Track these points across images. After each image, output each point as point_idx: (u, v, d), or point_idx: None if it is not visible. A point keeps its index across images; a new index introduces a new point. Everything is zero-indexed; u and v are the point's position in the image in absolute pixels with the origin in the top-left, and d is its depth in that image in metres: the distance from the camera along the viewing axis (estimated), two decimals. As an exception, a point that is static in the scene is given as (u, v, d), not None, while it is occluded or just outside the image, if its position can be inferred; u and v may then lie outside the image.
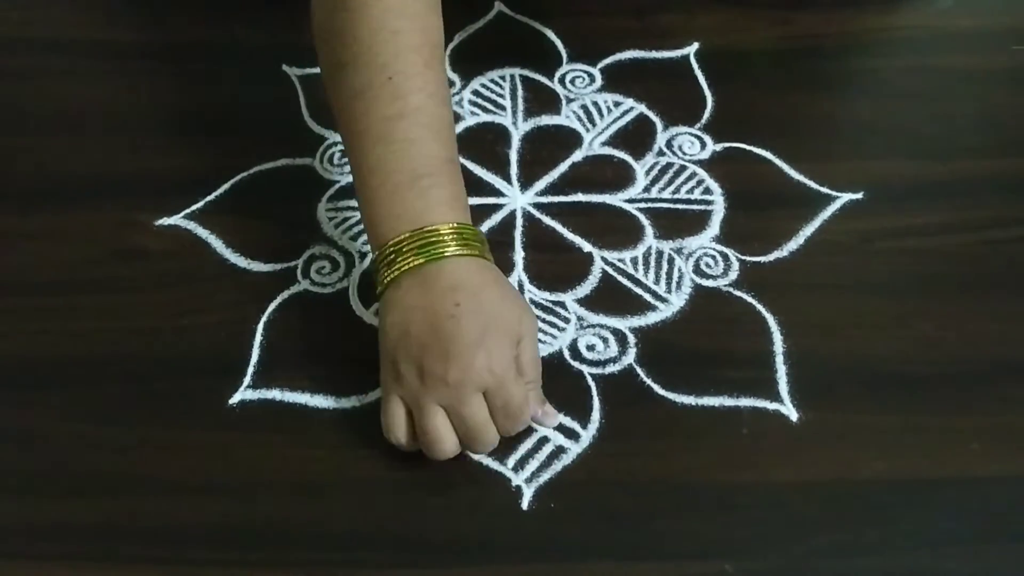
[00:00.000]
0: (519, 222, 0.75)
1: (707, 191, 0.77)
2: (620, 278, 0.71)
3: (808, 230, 0.74)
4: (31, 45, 0.90)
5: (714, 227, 0.75)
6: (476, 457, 0.62)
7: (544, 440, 0.63)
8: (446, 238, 0.60)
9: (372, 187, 0.62)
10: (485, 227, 0.74)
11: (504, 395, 0.59)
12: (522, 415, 0.60)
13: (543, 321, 0.69)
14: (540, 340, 0.67)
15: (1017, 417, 0.64)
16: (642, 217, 0.75)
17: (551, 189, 0.77)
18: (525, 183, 0.77)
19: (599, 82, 0.85)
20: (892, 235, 0.74)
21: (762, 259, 0.72)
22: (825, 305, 0.70)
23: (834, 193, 0.76)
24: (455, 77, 0.86)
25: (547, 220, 0.75)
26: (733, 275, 0.71)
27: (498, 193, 0.77)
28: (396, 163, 0.61)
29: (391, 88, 0.62)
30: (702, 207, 0.76)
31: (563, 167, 0.79)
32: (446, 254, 0.59)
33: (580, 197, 0.77)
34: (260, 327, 0.68)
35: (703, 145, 0.80)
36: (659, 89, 0.84)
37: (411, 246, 0.60)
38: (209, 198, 0.76)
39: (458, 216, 0.61)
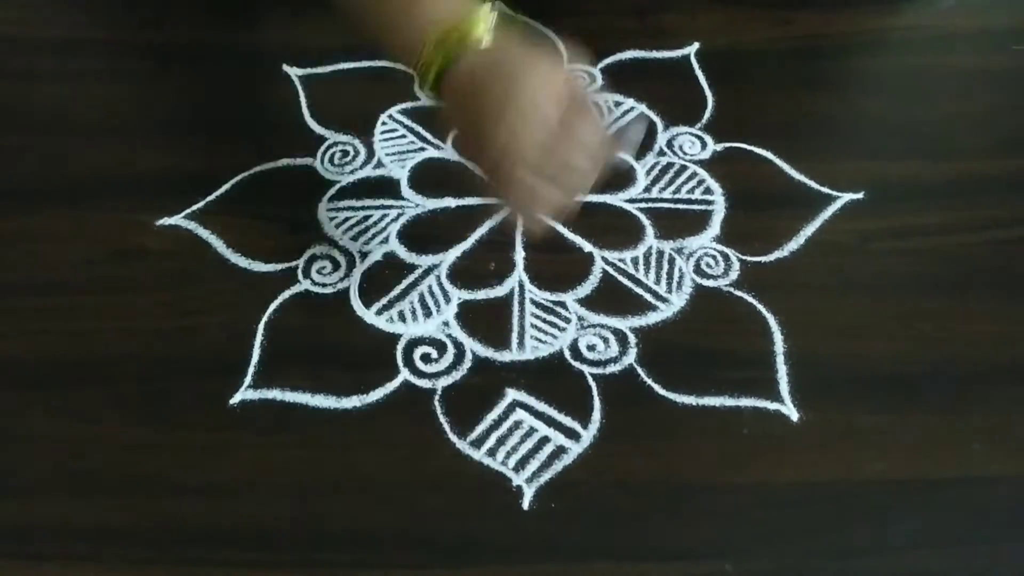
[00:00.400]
0: (520, 222, 0.75)
1: (708, 191, 0.77)
2: (621, 278, 0.71)
3: (809, 230, 0.74)
4: (31, 45, 0.90)
5: (715, 227, 0.75)
6: (477, 456, 0.62)
7: (545, 440, 0.63)
8: (477, 18, 0.61)
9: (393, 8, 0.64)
10: (486, 227, 0.74)
11: (583, 100, 0.60)
12: (598, 124, 0.62)
13: (543, 321, 0.69)
14: (540, 340, 0.68)
15: (1018, 417, 0.64)
16: (643, 217, 0.75)
17: (552, 189, 0.77)
18: (526, 183, 0.77)
19: (600, 82, 0.85)
20: (893, 235, 0.74)
21: (763, 259, 0.72)
22: (826, 305, 0.70)
23: (835, 193, 0.76)
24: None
25: (547, 220, 0.75)
26: (734, 275, 0.71)
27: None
28: None
29: None
30: (703, 207, 0.76)
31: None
32: (477, 38, 0.61)
33: (580, 197, 0.76)
34: (261, 327, 0.68)
35: (704, 145, 0.80)
36: (660, 89, 0.84)
37: (452, 34, 0.61)
38: (210, 198, 0.76)
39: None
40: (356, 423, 0.64)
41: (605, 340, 0.68)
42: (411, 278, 0.71)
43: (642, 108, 0.83)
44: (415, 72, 0.63)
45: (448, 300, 0.70)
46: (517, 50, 0.61)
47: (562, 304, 0.70)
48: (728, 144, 0.80)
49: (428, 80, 0.62)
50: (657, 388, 0.65)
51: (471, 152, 0.63)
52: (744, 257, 0.72)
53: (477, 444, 0.63)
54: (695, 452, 0.63)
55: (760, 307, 0.69)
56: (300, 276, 0.71)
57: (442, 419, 0.64)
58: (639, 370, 0.66)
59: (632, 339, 0.68)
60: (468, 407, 0.64)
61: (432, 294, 0.70)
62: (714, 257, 0.73)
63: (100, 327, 0.69)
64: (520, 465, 0.62)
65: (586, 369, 0.66)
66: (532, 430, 0.63)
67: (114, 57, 0.88)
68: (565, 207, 0.62)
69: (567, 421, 0.64)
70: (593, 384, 0.66)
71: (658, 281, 0.71)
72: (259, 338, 0.68)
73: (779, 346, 0.67)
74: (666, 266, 0.72)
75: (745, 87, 0.85)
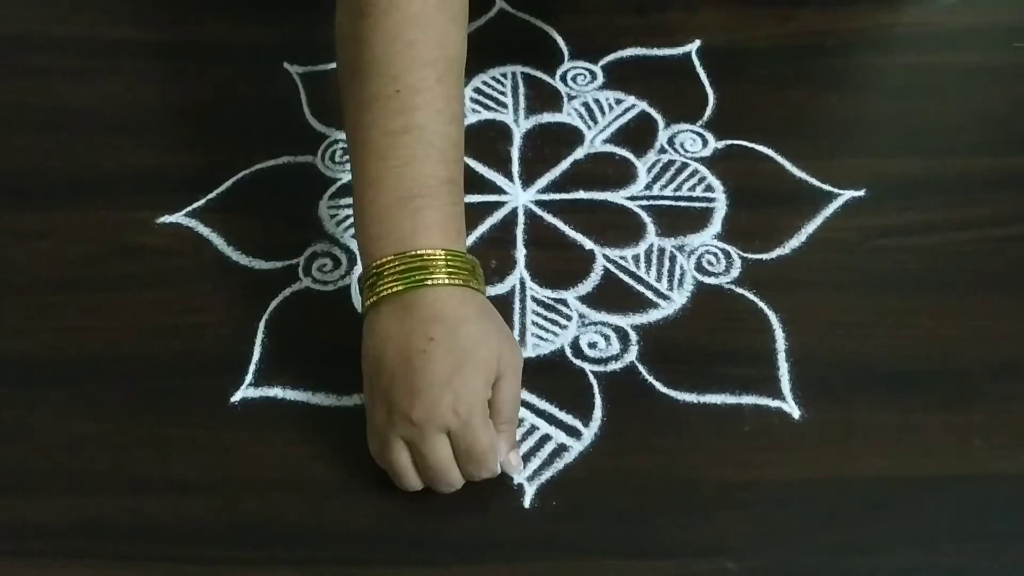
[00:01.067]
0: (521, 220, 0.75)
1: (709, 188, 0.77)
2: (622, 275, 0.71)
3: (810, 227, 0.74)
4: (32, 43, 0.90)
5: (716, 224, 0.74)
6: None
7: (546, 438, 0.63)
8: (430, 265, 0.58)
9: (365, 202, 0.60)
10: (487, 225, 0.74)
11: (468, 439, 0.57)
12: (486, 461, 0.58)
13: (544, 319, 0.69)
14: (541, 338, 0.68)
15: (1019, 414, 0.64)
16: (644, 215, 0.75)
17: (553, 187, 0.77)
18: (527, 181, 0.77)
19: (600, 79, 0.85)
20: (894, 232, 0.74)
21: (764, 256, 0.72)
22: (827, 302, 0.70)
23: (836, 190, 0.76)
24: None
25: (549, 218, 0.75)
26: (735, 272, 0.71)
27: (500, 191, 0.77)
28: (390, 180, 0.60)
29: (397, 102, 0.61)
30: (704, 204, 0.76)
31: (565, 165, 0.79)
32: (427, 283, 0.57)
33: (582, 195, 0.76)
34: (262, 325, 0.68)
35: (705, 142, 0.80)
36: (661, 86, 0.84)
37: (393, 271, 0.58)
38: (210, 196, 0.76)
39: (448, 241, 0.59)
40: (357, 421, 0.64)
41: (606, 338, 0.68)
42: (412, 276, 0.71)
43: (643, 105, 0.83)
44: (365, 276, 0.60)
45: (449, 298, 0.70)
46: (478, 320, 0.58)
47: (563, 302, 0.70)
48: (729, 141, 0.80)
49: (374, 296, 0.58)
50: (658, 386, 0.65)
51: (379, 394, 0.58)
52: (745, 254, 0.72)
53: (478, 442, 0.63)
54: (696, 450, 0.62)
55: (761, 304, 0.69)
56: (301, 274, 0.71)
57: (443, 417, 0.64)
58: (640, 368, 0.66)
59: (633, 337, 0.68)
60: (469, 405, 0.64)
61: (433, 292, 0.70)
62: (715, 255, 0.72)
63: (101, 325, 0.69)
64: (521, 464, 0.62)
65: (587, 367, 0.66)
66: (533, 428, 0.63)
67: (114, 55, 0.88)
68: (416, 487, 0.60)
69: (568, 419, 0.64)
70: (594, 382, 0.66)
71: (659, 278, 0.71)
72: (260, 336, 0.68)
73: (780, 343, 0.67)
74: (667, 263, 0.72)
75: (746, 84, 0.85)
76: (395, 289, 0.57)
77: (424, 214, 0.59)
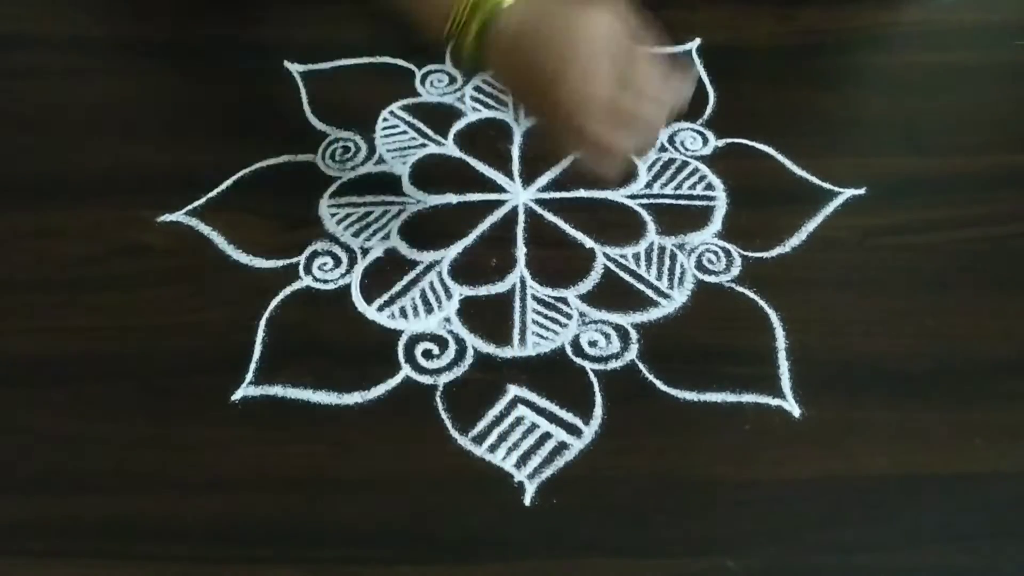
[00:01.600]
0: (521, 218, 0.75)
1: (709, 187, 0.77)
2: (622, 274, 0.71)
3: (810, 226, 0.74)
4: (32, 42, 0.90)
5: (716, 223, 0.74)
6: (479, 453, 0.62)
7: (546, 436, 0.63)
8: None
9: None
10: (487, 223, 0.74)
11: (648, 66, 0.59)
12: (661, 110, 0.60)
13: (545, 317, 0.69)
14: (541, 336, 0.68)
15: (1020, 413, 0.64)
16: (644, 213, 0.75)
17: (553, 185, 0.77)
18: (527, 179, 0.77)
19: (601, 78, 0.85)
20: (894, 230, 0.74)
21: (764, 255, 0.72)
22: (827, 301, 0.70)
23: (836, 189, 0.76)
24: (457, 73, 0.85)
25: (549, 216, 0.75)
26: (735, 271, 0.71)
27: (500, 189, 0.77)
28: None
29: None
30: (704, 203, 0.76)
31: (565, 163, 0.79)
32: None
33: (582, 193, 0.76)
34: (262, 323, 0.68)
35: (705, 141, 0.80)
36: (661, 85, 0.84)
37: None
38: (211, 195, 0.76)
39: None
40: (357, 419, 0.64)
41: (607, 336, 0.68)
42: (412, 274, 0.71)
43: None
44: (447, 37, 0.60)
45: (449, 296, 0.70)
46: (561, 2, 0.59)
47: (564, 300, 0.70)
48: (729, 140, 0.80)
49: (466, 43, 0.60)
50: (659, 384, 0.65)
51: (536, 111, 0.62)
52: (746, 253, 0.72)
53: (479, 440, 0.63)
54: (697, 448, 0.63)
55: (762, 303, 0.69)
56: (301, 272, 0.71)
57: (443, 415, 0.64)
58: (641, 366, 0.66)
59: (634, 335, 0.68)
60: (470, 403, 0.64)
61: (433, 290, 0.70)
62: (716, 253, 0.72)
63: (101, 324, 0.69)
64: (522, 461, 0.62)
65: (588, 365, 0.66)
66: (534, 426, 0.63)
67: (115, 54, 0.88)
68: (640, 151, 0.62)
69: (569, 417, 0.64)
70: (595, 380, 0.66)
71: (660, 277, 0.71)
72: (260, 334, 0.68)
73: (781, 342, 0.67)
74: (668, 262, 0.72)
75: (747, 83, 0.85)
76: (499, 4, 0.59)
77: None
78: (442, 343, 0.67)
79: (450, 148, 0.80)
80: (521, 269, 0.72)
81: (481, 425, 0.63)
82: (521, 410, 0.64)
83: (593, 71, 0.57)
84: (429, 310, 0.69)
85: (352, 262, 0.72)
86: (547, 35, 0.58)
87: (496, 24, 0.59)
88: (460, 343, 0.67)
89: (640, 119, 0.59)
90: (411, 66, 0.86)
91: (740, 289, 0.70)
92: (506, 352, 0.67)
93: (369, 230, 0.74)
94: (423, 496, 0.60)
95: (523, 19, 0.59)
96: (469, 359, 0.67)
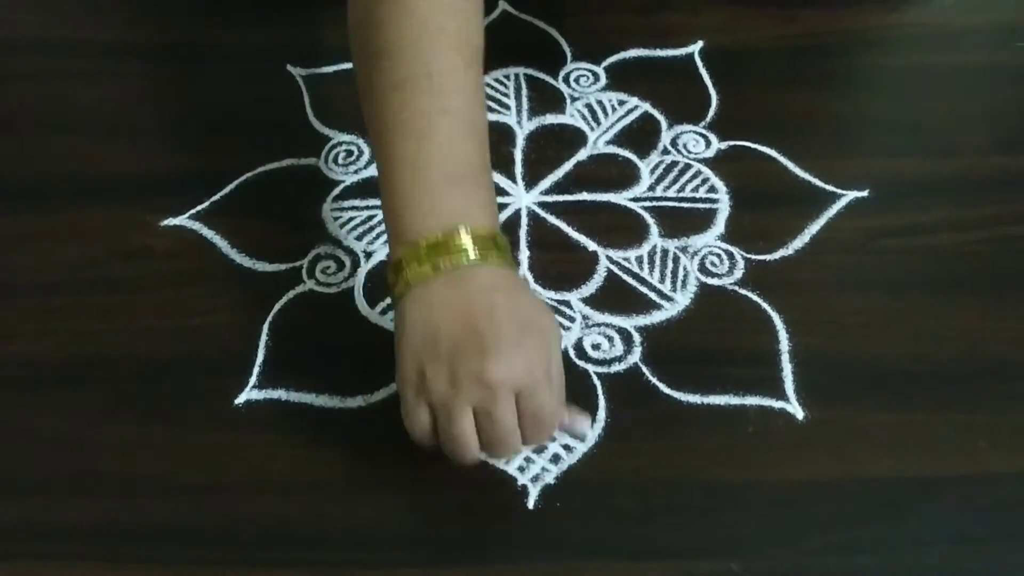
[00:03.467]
0: (524, 221, 0.75)
1: (712, 189, 0.77)
2: (625, 277, 0.71)
3: (813, 228, 0.74)
4: (36, 46, 0.90)
5: (719, 225, 0.74)
6: (482, 456, 0.62)
7: (550, 439, 0.63)
8: (482, 243, 0.58)
9: (404, 181, 0.60)
10: (490, 226, 0.74)
11: (538, 400, 0.56)
12: (551, 422, 0.57)
13: (548, 320, 0.69)
14: (545, 339, 0.68)
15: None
16: (647, 216, 0.75)
17: (556, 188, 0.77)
18: (530, 182, 0.77)
19: (603, 81, 0.85)
20: (898, 233, 0.74)
21: (767, 257, 0.72)
22: (831, 303, 0.70)
23: (839, 191, 0.76)
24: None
25: (552, 219, 0.75)
26: (738, 273, 0.71)
27: (503, 192, 0.77)
28: (434, 160, 0.59)
29: (433, 84, 0.60)
30: (707, 205, 0.76)
31: (568, 166, 0.79)
32: (489, 259, 0.57)
33: (585, 196, 0.77)
34: (265, 327, 0.68)
35: (708, 143, 0.80)
36: (664, 87, 0.84)
37: (446, 246, 0.57)
38: (214, 198, 0.76)
39: (493, 222, 0.60)
40: (361, 423, 0.64)
41: (610, 339, 0.68)
42: (415, 278, 0.71)
43: (646, 106, 0.83)
44: (407, 253, 0.58)
45: (453, 299, 0.70)
46: (530, 293, 0.59)
47: (566, 303, 0.70)
48: (732, 142, 0.80)
49: (428, 268, 0.57)
50: (662, 387, 0.65)
51: (438, 364, 0.55)
52: (749, 255, 0.72)
53: (482, 443, 0.63)
54: (700, 451, 0.62)
55: (765, 305, 0.69)
56: (304, 276, 0.71)
57: (447, 418, 0.64)
58: (644, 369, 0.66)
59: (637, 338, 0.68)
60: (473, 406, 0.64)
61: (437, 293, 0.70)
62: (719, 256, 0.72)
63: (104, 327, 0.69)
64: (525, 465, 0.62)
65: (591, 368, 0.66)
66: (539, 430, 0.63)
67: (118, 58, 0.89)
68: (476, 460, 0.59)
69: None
70: (598, 383, 0.66)
71: (663, 280, 0.71)
72: (264, 338, 0.68)
73: (784, 344, 0.67)
74: (671, 265, 0.72)
75: (749, 85, 0.85)
76: (451, 262, 0.57)
77: (476, 194, 0.60)
78: (445, 346, 0.67)
79: (453, 151, 0.80)
80: (524, 272, 0.72)
81: (484, 428, 0.63)
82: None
83: (452, 374, 0.55)
84: (432, 313, 0.69)
85: (355, 265, 0.72)
86: (500, 307, 0.56)
87: (439, 276, 0.57)
88: (463, 346, 0.67)
89: (508, 440, 0.56)
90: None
91: (743, 292, 0.70)
92: (509, 355, 0.67)
93: (372, 233, 0.74)
94: (427, 500, 0.60)
95: (473, 283, 0.57)
96: (472, 362, 0.67)
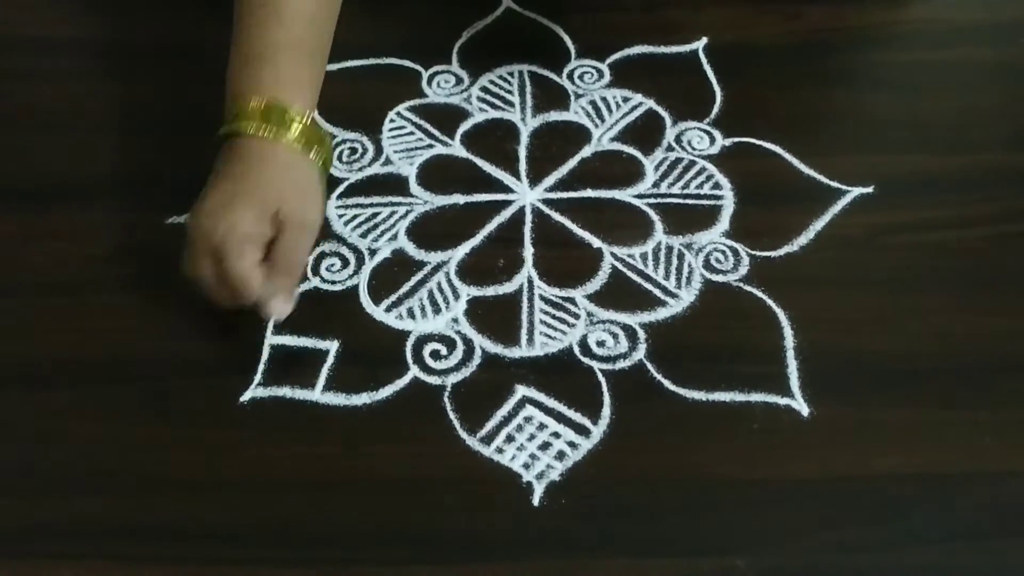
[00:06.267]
0: (528, 218, 0.75)
1: (716, 186, 0.77)
2: (630, 274, 0.71)
3: (818, 224, 0.74)
4: (37, 45, 0.90)
5: (724, 222, 0.74)
6: (487, 453, 0.62)
7: (555, 436, 0.63)
8: (252, 115, 0.67)
9: (230, 59, 0.70)
10: (494, 223, 0.74)
11: (223, 264, 0.63)
12: (238, 289, 0.64)
13: (553, 317, 0.69)
14: (549, 337, 0.68)
15: (1030, 411, 0.64)
16: (652, 212, 0.75)
17: (560, 185, 0.77)
18: (534, 179, 0.77)
19: (608, 78, 0.85)
20: (903, 229, 0.74)
21: (772, 254, 0.72)
22: (836, 300, 0.69)
23: (844, 187, 0.76)
24: (464, 74, 0.86)
25: (556, 216, 0.75)
26: (743, 270, 0.71)
27: (507, 189, 0.77)
28: (239, 45, 0.70)
29: None
30: (712, 202, 0.76)
31: (572, 163, 0.79)
32: (247, 131, 0.66)
33: (589, 193, 0.76)
34: (270, 324, 0.68)
35: (712, 140, 0.80)
36: (668, 84, 0.84)
37: (233, 117, 0.67)
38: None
39: (286, 97, 0.68)
40: (366, 420, 0.64)
41: (615, 336, 0.68)
42: (420, 275, 0.71)
43: (650, 103, 0.83)
44: (231, 110, 0.68)
45: (457, 297, 0.70)
46: (275, 169, 0.67)
47: (571, 300, 0.70)
48: (737, 139, 0.80)
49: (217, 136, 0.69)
50: (667, 384, 0.65)
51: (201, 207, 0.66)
52: (753, 252, 0.72)
53: (487, 441, 0.63)
54: (705, 448, 0.62)
55: (770, 302, 0.69)
56: (309, 273, 0.71)
57: (452, 416, 0.64)
58: (649, 366, 0.66)
59: (642, 335, 0.68)
60: (478, 404, 0.64)
61: (441, 291, 0.70)
62: (723, 252, 0.72)
63: (110, 326, 0.69)
64: (530, 462, 0.62)
65: (596, 365, 0.66)
66: (542, 426, 0.63)
67: (121, 56, 0.89)
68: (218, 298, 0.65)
69: (577, 417, 0.64)
70: (603, 380, 0.66)
71: (667, 276, 0.71)
72: (268, 335, 0.68)
73: (789, 341, 0.67)
74: (675, 261, 0.72)
75: (754, 82, 0.85)
76: (221, 131, 0.68)
77: (260, 72, 0.69)
78: (450, 344, 0.67)
79: (457, 149, 0.80)
80: (528, 269, 0.72)
81: (489, 425, 0.63)
82: (529, 410, 0.64)
83: (239, 208, 0.64)
84: (437, 311, 0.69)
85: (360, 263, 0.72)
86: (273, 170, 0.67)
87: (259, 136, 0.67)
88: (468, 344, 0.67)
89: (233, 283, 0.64)
90: (418, 67, 0.86)
91: (748, 288, 0.70)
92: (514, 352, 0.67)
93: (376, 231, 0.74)
94: (432, 497, 0.60)
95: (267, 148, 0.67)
96: (477, 359, 0.67)
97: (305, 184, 0.68)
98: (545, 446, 0.62)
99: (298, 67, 0.70)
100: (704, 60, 0.87)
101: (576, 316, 0.69)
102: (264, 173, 0.66)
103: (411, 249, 0.73)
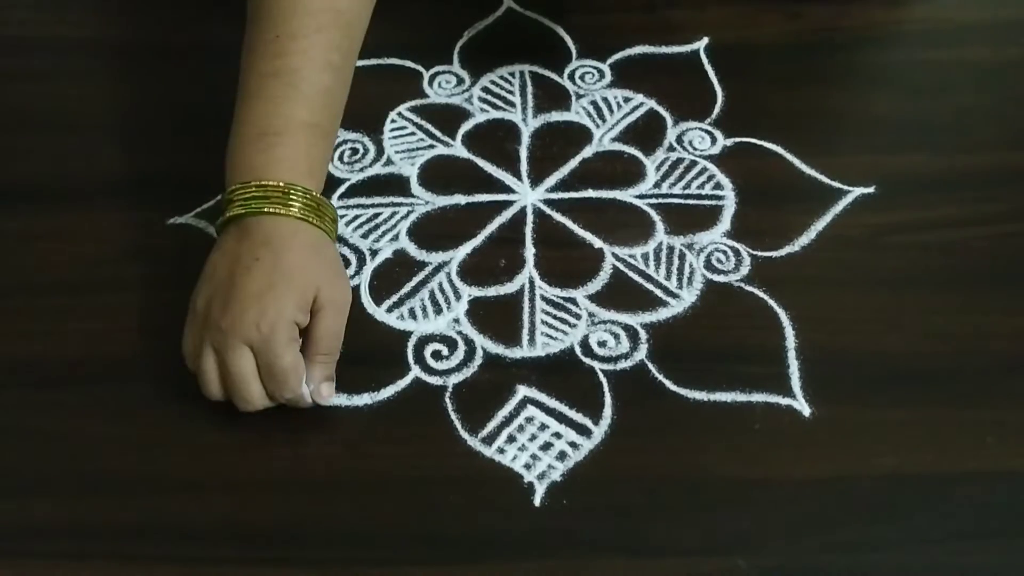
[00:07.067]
0: (529, 219, 0.75)
1: (718, 186, 0.77)
2: (631, 274, 0.71)
3: (820, 224, 0.74)
4: (38, 45, 0.90)
5: (725, 222, 0.74)
6: (488, 453, 0.62)
7: (556, 436, 0.63)
8: (272, 195, 0.63)
9: (232, 137, 0.66)
10: (495, 224, 0.74)
11: (270, 355, 0.60)
12: (286, 381, 0.61)
13: (554, 317, 0.69)
14: (550, 336, 0.68)
15: (1031, 411, 0.64)
16: (653, 213, 0.75)
17: (561, 185, 0.77)
18: (535, 180, 0.77)
19: (609, 78, 0.85)
20: (904, 229, 0.74)
21: (773, 254, 0.72)
22: (837, 300, 0.69)
23: (845, 187, 0.76)
24: (465, 74, 0.86)
25: (557, 216, 0.75)
26: (744, 270, 0.71)
27: (508, 190, 0.77)
28: (252, 118, 0.65)
29: (275, 47, 0.66)
30: (713, 202, 0.76)
31: (573, 163, 0.79)
32: (264, 210, 0.62)
33: (590, 193, 0.76)
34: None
35: (713, 140, 0.80)
36: (669, 84, 0.84)
37: (240, 197, 0.63)
38: (220, 197, 0.76)
39: (297, 177, 0.64)
40: (367, 421, 0.64)
41: (616, 336, 0.68)
42: (421, 275, 0.71)
43: (651, 103, 0.83)
44: (221, 201, 0.65)
45: (458, 297, 0.70)
46: (304, 251, 0.63)
47: (573, 300, 0.70)
48: (738, 139, 0.80)
49: (222, 217, 0.64)
50: (668, 384, 0.65)
51: (202, 301, 0.63)
52: (755, 252, 0.72)
53: (488, 441, 0.63)
54: (707, 448, 0.62)
55: (771, 302, 0.69)
56: (310, 274, 0.71)
57: (453, 416, 0.64)
58: (650, 366, 0.66)
59: (643, 335, 0.68)
60: (479, 404, 0.64)
61: (442, 291, 0.70)
62: (725, 252, 0.72)
63: (111, 327, 0.69)
64: (531, 462, 0.62)
65: (597, 365, 0.66)
66: (543, 427, 0.63)
67: (124, 56, 0.89)
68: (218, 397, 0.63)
69: (578, 417, 0.64)
70: (604, 380, 0.66)
71: (669, 277, 0.71)
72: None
73: (791, 341, 0.67)
74: (677, 262, 0.72)
75: (755, 82, 0.85)
76: (236, 212, 0.63)
77: (275, 150, 0.64)
78: (451, 344, 0.67)
79: (458, 149, 0.80)
80: (530, 269, 0.72)
81: (491, 426, 0.63)
82: (531, 410, 0.64)
83: (238, 310, 0.60)
84: (438, 311, 0.69)
85: (361, 263, 0.72)
86: (281, 258, 0.62)
87: (257, 219, 0.63)
88: (469, 344, 0.67)
89: (233, 377, 0.61)
90: (419, 67, 0.86)
91: (749, 288, 0.70)
92: (515, 353, 0.67)
93: (378, 231, 0.74)
94: (433, 497, 0.60)
95: (276, 233, 0.63)
96: (478, 360, 0.67)
97: (333, 261, 0.66)
98: (546, 446, 0.62)
99: (316, 146, 0.67)
100: (705, 60, 0.87)
101: (577, 316, 0.69)
102: (297, 256, 0.62)
103: (412, 249, 0.73)
